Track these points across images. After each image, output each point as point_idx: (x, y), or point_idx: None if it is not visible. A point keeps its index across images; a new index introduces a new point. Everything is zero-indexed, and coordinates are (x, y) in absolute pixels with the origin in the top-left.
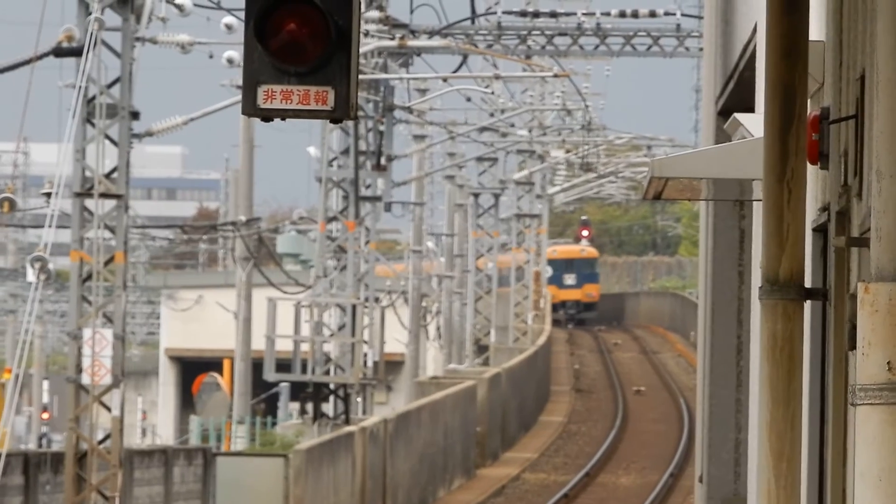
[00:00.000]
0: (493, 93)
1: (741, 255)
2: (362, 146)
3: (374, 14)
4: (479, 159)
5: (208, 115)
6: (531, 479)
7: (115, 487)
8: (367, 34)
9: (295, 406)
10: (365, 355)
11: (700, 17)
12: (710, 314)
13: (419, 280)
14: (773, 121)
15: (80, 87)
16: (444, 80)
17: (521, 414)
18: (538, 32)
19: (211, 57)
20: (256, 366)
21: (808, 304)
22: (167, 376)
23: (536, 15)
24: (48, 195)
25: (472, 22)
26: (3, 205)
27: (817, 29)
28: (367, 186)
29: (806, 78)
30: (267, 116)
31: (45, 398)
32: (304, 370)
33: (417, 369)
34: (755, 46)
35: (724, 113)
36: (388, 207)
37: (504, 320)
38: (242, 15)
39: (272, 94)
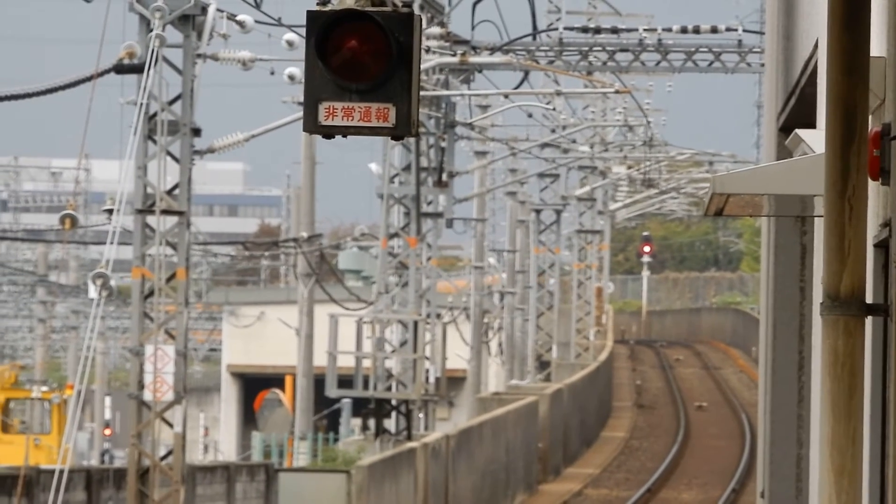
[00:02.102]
0: (554, 109)
1: (803, 271)
2: (424, 162)
3: (436, 31)
4: (541, 175)
5: (270, 132)
6: (593, 494)
7: (177, 503)
8: (428, 51)
9: (357, 422)
10: (427, 371)
11: (761, 34)
12: (772, 330)
13: (481, 296)
14: (835, 137)
15: (141, 103)
16: (506, 96)
17: (583, 429)
18: (599, 48)
19: (272, 73)
20: (318, 382)
21: (869, 320)
22: (229, 392)
23: (598, 31)
24: (110, 212)
25: (534, 38)
26: (65, 221)
27: (878, 45)
28: (429, 203)
29: (867, 94)
30: (328, 133)
31: (107, 414)
32: (365, 386)
33: (479, 385)
34: (816, 62)
35: (786, 129)
36: (449, 224)
37: (566, 336)
38: (304, 32)
39: (333, 111)
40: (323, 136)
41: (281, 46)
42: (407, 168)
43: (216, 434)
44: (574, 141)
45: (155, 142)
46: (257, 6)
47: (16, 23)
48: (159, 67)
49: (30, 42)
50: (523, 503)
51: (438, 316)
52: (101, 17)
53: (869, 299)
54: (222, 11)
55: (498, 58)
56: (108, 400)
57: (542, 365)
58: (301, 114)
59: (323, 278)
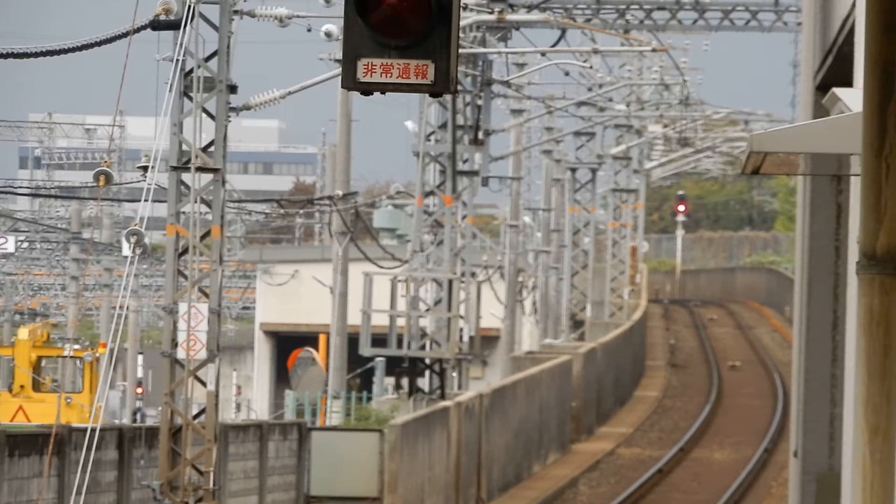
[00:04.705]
0: (591, 67)
1: (838, 230)
2: (460, 120)
3: None
4: (577, 134)
5: (306, 89)
6: (626, 453)
7: (209, 462)
8: (465, 8)
9: (390, 381)
10: (461, 330)
11: None
12: (807, 289)
13: (515, 255)
14: (872, 96)
15: (177, 60)
16: (543, 54)
17: (617, 389)
18: (637, 7)
19: (309, 30)
20: (352, 340)
21: None
22: (262, 351)
23: None
24: (144, 169)
25: None
26: (100, 178)
27: None
28: (465, 161)
29: None
30: (367, 90)
31: (140, 373)
32: (399, 345)
33: (513, 344)
34: (854, 21)
35: (823, 88)
36: (485, 182)
37: (600, 295)
38: None
39: (372, 68)
40: (361, 93)
41: (318, 3)
42: (443, 126)
43: (249, 392)
44: (610, 99)
45: (191, 98)
46: None
47: None
48: (196, 23)
49: None
50: (556, 462)
51: (473, 275)
52: None
53: None
54: None
55: (535, 15)
56: (140, 358)
57: (576, 324)
58: (338, 71)
59: (358, 236)
